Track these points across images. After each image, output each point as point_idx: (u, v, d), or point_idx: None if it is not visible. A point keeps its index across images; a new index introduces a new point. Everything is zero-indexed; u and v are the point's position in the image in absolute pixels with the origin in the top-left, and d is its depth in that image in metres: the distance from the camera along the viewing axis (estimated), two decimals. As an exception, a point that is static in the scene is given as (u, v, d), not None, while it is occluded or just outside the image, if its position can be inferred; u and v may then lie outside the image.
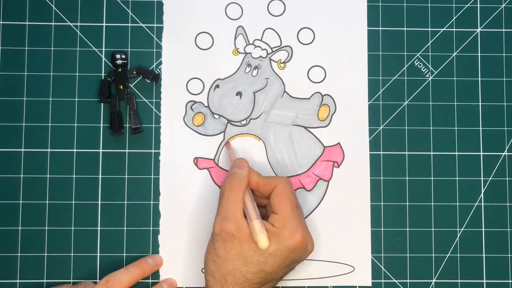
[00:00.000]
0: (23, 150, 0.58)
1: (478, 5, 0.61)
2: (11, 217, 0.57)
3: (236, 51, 0.59)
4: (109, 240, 0.57)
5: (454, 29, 0.60)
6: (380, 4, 0.60)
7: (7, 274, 0.57)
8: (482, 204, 0.58)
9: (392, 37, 0.60)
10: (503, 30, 0.60)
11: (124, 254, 0.57)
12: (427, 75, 0.60)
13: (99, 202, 0.57)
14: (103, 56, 0.59)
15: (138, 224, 0.57)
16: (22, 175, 0.57)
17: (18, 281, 0.57)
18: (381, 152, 0.59)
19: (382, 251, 0.58)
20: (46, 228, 0.57)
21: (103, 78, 0.59)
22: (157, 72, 0.59)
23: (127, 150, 0.58)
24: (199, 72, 0.59)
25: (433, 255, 0.58)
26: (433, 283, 0.58)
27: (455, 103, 0.60)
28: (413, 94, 0.60)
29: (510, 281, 0.58)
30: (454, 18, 0.61)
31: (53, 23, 0.59)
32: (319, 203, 0.58)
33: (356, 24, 0.60)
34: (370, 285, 0.58)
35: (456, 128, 0.59)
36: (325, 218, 0.58)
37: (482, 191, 0.59)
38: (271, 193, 0.52)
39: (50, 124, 0.58)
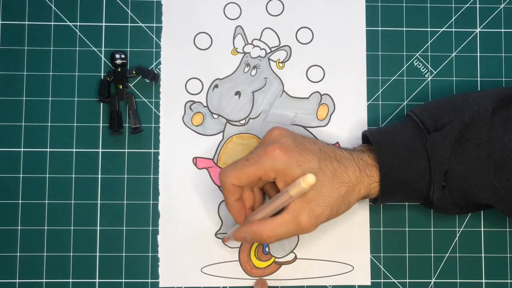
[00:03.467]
0: (22, 149, 0.58)
1: (477, 5, 0.61)
2: (10, 217, 0.57)
3: (235, 51, 0.59)
4: (109, 240, 0.57)
5: (453, 29, 0.60)
6: (379, 4, 0.60)
7: (6, 274, 0.57)
8: (482, 204, 0.58)
9: (391, 37, 0.60)
10: (502, 30, 0.60)
11: (124, 254, 0.57)
12: (426, 75, 0.60)
13: (98, 201, 0.57)
14: (102, 56, 0.59)
15: (137, 224, 0.57)
16: (21, 175, 0.57)
17: (17, 280, 0.57)
18: (380, 152, 0.59)
19: (381, 250, 0.58)
20: (45, 227, 0.57)
21: (102, 77, 0.59)
22: (156, 72, 0.59)
23: (126, 150, 0.58)
24: (198, 72, 0.59)
25: (432, 255, 0.58)
26: (432, 283, 0.57)
27: (454, 103, 0.59)
28: (413, 94, 0.60)
29: (509, 281, 0.57)
30: (453, 18, 0.60)
31: (52, 23, 0.59)
32: (318, 202, 0.58)
33: (354, 24, 0.60)
34: (369, 284, 0.57)
35: (455, 128, 0.59)
36: (324, 218, 0.58)
37: (482, 191, 0.59)
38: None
39: (49, 124, 0.58)
